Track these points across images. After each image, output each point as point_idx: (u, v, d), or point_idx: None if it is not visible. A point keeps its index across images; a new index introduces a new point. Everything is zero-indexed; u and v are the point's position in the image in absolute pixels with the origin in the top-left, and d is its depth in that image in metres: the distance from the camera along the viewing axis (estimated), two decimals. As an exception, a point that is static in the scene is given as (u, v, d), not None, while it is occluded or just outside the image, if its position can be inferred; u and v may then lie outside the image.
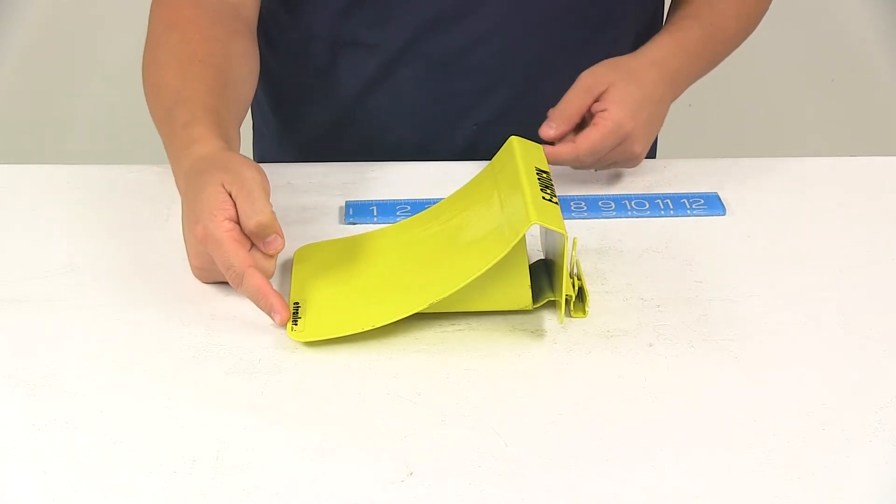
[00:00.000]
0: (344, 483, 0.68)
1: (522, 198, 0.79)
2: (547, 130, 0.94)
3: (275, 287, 0.79)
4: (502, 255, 0.77)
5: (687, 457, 0.70)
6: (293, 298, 0.83)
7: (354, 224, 0.94)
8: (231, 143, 0.86)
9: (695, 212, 0.95)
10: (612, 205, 0.96)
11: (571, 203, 0.96)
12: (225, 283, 0.81)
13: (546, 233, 0.85)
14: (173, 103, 0.88)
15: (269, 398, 0.74)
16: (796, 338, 0.80)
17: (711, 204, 0.96)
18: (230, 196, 0.79)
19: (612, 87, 0.94)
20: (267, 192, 0.79)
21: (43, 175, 1.00)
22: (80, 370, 0.76)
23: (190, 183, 0.82)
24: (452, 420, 0.72)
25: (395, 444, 0.70)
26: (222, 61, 0.92)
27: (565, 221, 0.79)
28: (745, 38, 1.08)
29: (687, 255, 0.90)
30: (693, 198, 0.97)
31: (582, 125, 0.95)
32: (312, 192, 0.98)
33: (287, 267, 0.87)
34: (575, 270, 0.82)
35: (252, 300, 0.79)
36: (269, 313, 0.79)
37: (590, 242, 0.91)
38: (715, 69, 1.08)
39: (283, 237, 0.79)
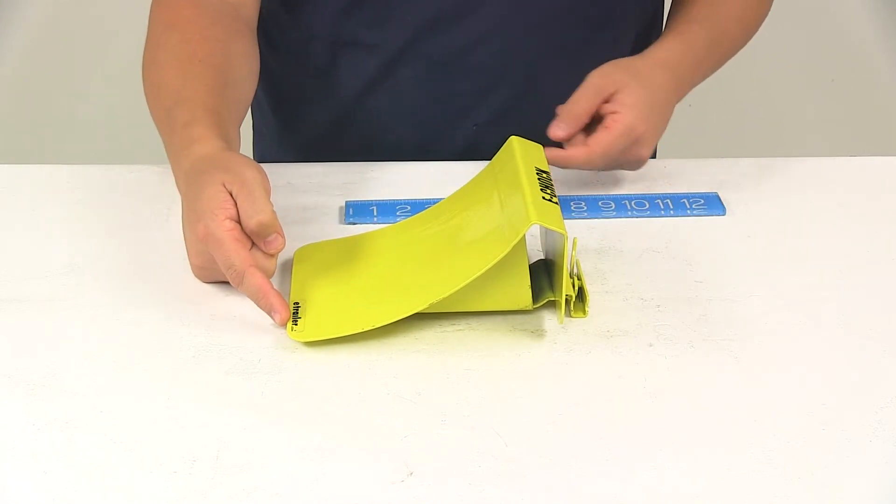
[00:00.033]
0: (344, 483, 0.68)
1: (522, 198, 0.79)
2: (556, 131, 0.93)
3: (275, 287, 0.79)
4: (502, 255, 0.77)
5: (687, 457, 0.70)
6: (293, 298, 0.82)
7: (354, 224, 0.93)
8: (231, 143, 0.86)
9: (695, 212, 0.95)
10: (612, 205, 0.96)
11: (571, 203, 0.96)
12: (225, 282, 0.82)
13: (546, 233, 0.85)
14: (173, 103, 0.88)
15: (269, 398, 0.74)
16: (796, 338, 0.80)
17: (711, 204, 0.96)
18: (231, 195, 0.79)
19: (622, 88, 0.93)
20: (267, 191, 0.79)
21: (43, 175, 1.00)
22: (80, 370, 0.76)
23: (190, 183, 0.82)
24: (452, 420, 0.72)
25: (395, 444, 0.70)
26: (222, 61, 0.92)
27: (565, 221, 0.79)
28: (746, 42, 1.08)
29: (687, 255, 0.89)
30: (693, 198, 0.97)
31: (589, 125, 0.94)
32: (312, 192, 0.98)
33: (287, 267, 0.87)
34: (575, 270, 0.82)
35: (252, 299, 0.79)
36: (269, 313, 0.79)
37: (590, 242, 0.91)
38: (715, 69, 1.08)
39: (283, 236, 0.79)
